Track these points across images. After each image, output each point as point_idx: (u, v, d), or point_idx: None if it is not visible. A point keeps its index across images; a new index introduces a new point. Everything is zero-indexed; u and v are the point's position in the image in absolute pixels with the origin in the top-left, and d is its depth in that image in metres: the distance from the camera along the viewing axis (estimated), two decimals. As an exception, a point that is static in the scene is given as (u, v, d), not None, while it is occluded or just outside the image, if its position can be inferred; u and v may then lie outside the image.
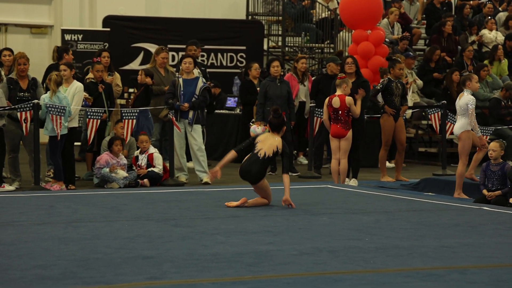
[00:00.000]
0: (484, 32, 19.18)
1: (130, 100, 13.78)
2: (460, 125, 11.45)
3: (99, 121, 12.44)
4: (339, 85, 12.20)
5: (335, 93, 12.21)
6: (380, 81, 13.82)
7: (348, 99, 12.10)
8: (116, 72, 14.03)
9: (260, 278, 5.97)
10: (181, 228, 7.96)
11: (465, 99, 11.34)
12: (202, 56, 16.34)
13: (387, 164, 15.80)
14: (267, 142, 9.50)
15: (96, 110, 12.42)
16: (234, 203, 9.40)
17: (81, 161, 14.25)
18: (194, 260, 6.46)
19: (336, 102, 12.11)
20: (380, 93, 13.55)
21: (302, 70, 15.45)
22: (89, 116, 12.36)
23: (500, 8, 20.81)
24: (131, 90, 14.60)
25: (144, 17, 18.78)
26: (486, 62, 17.78)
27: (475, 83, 11.51)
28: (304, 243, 7.24)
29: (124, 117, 12.56)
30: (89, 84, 13.02)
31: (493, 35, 19.10)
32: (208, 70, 15.59)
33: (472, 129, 11.37)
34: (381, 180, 13.45)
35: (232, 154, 9.62)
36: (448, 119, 14.24)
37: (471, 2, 20.83)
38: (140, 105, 13.33)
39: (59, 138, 11.62)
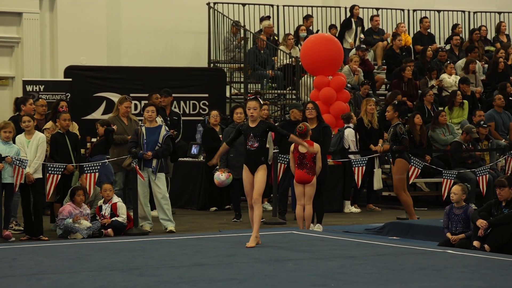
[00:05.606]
0: (444, 76, 19.40)
1: (88, 150, 13.69)
2: None
3: (59, 176, 12.34)
4: (306, 133, 12.18)
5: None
6: (399, 130, 14.08)
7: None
8: (73, 122, 13.91)
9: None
10: (146, 277, 7.89)
11: None
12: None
13: (352, 209, 15.86)
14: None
15: (56, 166, 12.33)
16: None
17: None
18: (159, 310, 6.40)
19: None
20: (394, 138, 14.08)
21: (264, 116, 15.47)
22: (50, 171, 12.26)
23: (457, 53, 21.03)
24: (94, 139, 14.53)
25: (106, 66, 18.76)
26: (446, 108, 18.00)
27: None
28: (269, 290, 7.21)
29: (86, 171, 12.48)
30: (55, 135, 12.88)
31: (452, 80, 19.32)
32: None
33: None
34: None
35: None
36: (411, 163, 14.35)
37: (430, 46, 21.06)
38: (98, 153, 13.29)
39: None
